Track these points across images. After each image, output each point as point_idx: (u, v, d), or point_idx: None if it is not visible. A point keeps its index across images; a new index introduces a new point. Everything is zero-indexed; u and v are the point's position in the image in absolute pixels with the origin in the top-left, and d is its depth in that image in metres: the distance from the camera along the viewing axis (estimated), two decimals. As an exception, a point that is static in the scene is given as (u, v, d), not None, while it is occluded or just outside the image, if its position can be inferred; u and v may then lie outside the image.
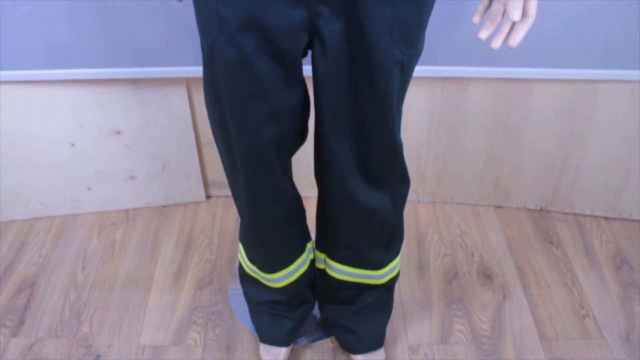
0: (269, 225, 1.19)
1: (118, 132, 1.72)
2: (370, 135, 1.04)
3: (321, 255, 1.32)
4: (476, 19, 0.96)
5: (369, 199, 1.14)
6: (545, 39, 1.49)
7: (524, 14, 0.90)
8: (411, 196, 1.87)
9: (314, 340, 1.48)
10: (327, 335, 1.49)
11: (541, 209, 1.86)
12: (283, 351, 1.40)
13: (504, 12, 0.91)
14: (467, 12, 1.45)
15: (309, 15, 0.92)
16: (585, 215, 1.83)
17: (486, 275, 1.65)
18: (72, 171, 1.77)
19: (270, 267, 1.28)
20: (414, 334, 1.49)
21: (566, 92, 1.61)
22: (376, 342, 1.40)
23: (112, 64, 1.55)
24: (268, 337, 1.41)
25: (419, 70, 1.55)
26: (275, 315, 1.39)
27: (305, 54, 1.00)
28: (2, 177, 1.75)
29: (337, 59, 0.95)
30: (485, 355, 1.44)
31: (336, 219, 1.20)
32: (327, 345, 1.47)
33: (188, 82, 1.67)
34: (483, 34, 0.92)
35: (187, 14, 1.46)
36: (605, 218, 1.82)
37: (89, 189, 1.81)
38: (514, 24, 0.91)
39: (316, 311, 1.52)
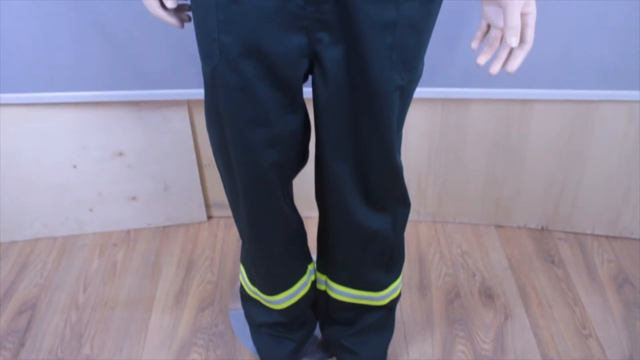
0: (269, 247, 1.19)
1: (120, 154, 1.73)
2: (370, 158, 1.05)
3: (322, 277, 1.32)
4: (474, 44, 0.96)
5: (370, 221, 1.14)
6: (545, 60, 1.50)
7: (522, 40, 0.90)
8: (412, 216, 1.87)
9: (315, 362, 1.48)
10: (329, 356, 1.48)
11: (542, 229, 1.86)
12: (284, 373, 1.40)
13: (502, 38, 0.92)
14: (467, 33, 1.46)
15: (309, 42, 0.93)
16: (586, 234, 1.83)
17: (488, 295, 1.64)
18: (74, 192, 1.78)
19: (272, 288, 1.28)
20: (415, 354, 1.49)
21: (566, 113, 1.62)
22: (378, 363, 1.40)
23: (114, 86, 1.57)
24: (269, 358, 1.40)
25: (419, 91, 1.56)
26: (276, 337, 1.39)
27: (305, 79, 1.01)
28: (4, 198, 1.76)
29: (337, 85, 0.96)
30: (487, 376, 1.44)
31: (337, 241, 1.20)
32: (328, 366, 1.47)
33: (189, 103, 1.68)
34: (482, 60, 0.93)
35: (188, 36, 1.48)
36: (607, 237, 1.82)
37: (91, 210, 1.82)
38: (512, 50, 0.92)
39: (317, 332, 1.52)
